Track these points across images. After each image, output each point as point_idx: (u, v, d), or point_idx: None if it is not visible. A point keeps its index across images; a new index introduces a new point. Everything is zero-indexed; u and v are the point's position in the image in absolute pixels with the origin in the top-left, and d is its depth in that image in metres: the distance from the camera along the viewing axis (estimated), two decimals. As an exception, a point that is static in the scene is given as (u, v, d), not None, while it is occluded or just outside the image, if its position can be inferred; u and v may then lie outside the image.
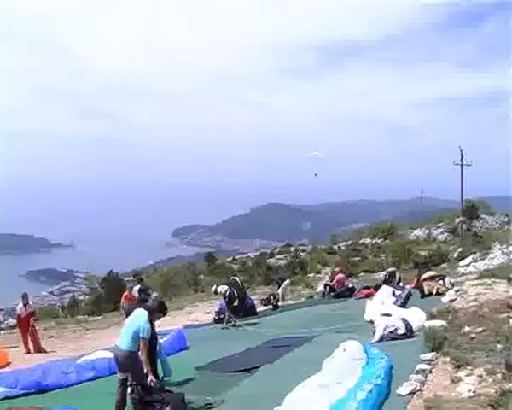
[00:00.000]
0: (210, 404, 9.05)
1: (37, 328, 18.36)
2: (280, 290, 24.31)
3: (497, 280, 15.20)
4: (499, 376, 7.50)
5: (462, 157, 44.63)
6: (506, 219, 49.60)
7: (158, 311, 9.26)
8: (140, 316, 8.78)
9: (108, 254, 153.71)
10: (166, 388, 9.16)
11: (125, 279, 44.43)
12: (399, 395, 7.86)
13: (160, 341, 11.38)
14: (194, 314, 24.25)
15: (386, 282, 20.99)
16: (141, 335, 8.54)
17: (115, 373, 9.05)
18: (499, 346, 8.91)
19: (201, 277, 44.79)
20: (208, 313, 23.00)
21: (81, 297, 46.44)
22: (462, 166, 44.73)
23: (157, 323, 18.43)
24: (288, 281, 25.51)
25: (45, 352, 17.28)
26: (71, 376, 11.75)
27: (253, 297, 23.96)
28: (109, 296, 36.17)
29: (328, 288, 24.11)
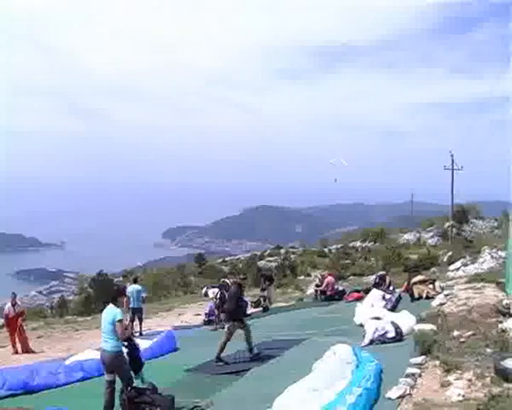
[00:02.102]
0: (199, 406, 9.01)
1: (25, 328, 18.23)
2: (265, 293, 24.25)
3: (487, 284, 15.24)
4: (488, 380, 7.52)
5: (452, 162, 44.83)
6: (495, 224, 49.94)
7: (121, 295, 9.27)
8: (109, 311, 8.74)
9: (98, 254, 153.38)
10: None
11: (115, 280, 44.41)
12: (389, 398, 7.85)
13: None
14: (184, 316, 24.21)
15: (376, 285, 20.98)
16: (117, 318, 8.55)
17: (104, 374, 9.00)
18: (488, 350, 8.94)
19: (191, 278, 44.75)
20: (198, 314, 22.95)
21: (70, 297, 46.19)
22: (452, 170, 44.91)
23: (147, 324, 18.42)
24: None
25: (33, 352, 17.16)
26: (59, 376, 11.69)
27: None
28: (99, 297, 36.02)
29: (319, 291, 24.10)
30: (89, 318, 27.35)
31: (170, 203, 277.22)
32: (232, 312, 12.28)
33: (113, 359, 8.58)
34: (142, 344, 12.79)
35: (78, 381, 11.73)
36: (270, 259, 52.10)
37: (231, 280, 21.76)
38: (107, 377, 8.77)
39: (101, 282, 39.04)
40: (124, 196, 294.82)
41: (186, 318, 23.37)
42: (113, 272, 55.36)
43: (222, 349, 11.89)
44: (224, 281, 20.63)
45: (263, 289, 23.94)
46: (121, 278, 47.42)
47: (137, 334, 17.45)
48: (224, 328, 18.03)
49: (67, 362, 13.00)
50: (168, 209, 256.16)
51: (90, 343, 16.82)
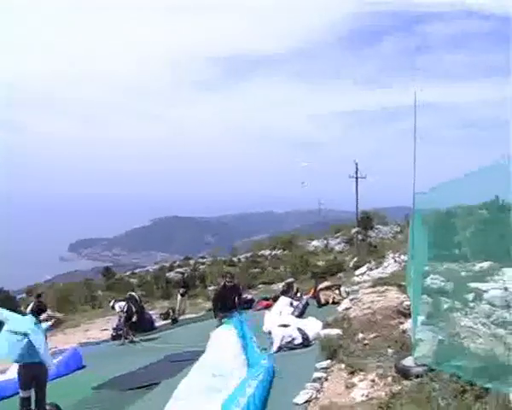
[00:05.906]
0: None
1: None
2: (178, 305, 24.02)
3: (390, 288, 15.80)
4: (390, 379, 7.80)
5: (356, 170, 46.47)
6: (399, 229, 52.08)
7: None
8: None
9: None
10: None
11: (18, 297, 42.41)
12: (296, 404, 7.98)
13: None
14: (90, 331, 23.50)
15: (283, 293, 21.24)
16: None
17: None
18: (390, 350, 9.26)
19: (99, 292, 43.51)
20: (105, 329, 22.37)
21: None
22: (356, 178, 46.54)
23: (52, 342, 17.67)
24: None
25: None
26: None
27: (152, 312, 23.61)
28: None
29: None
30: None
31: (78, 215, 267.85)
32: None
33: (44, 371, 8.28)
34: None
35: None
36: (179, 270, 51.55)
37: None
38: (25, 394, 8.26)
39: (1, 301, 37.11)
40: (28, 209, 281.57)
41: (93, 334, 22.69)
42: (16, 288, 52.81)
43: None
44: (130, 294, 20.18)
45: (182, 294, 23.86)
46: (24, 295, 45.33)
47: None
48: (132, 342, 17.70)
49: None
50: (76, 221, 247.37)
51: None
